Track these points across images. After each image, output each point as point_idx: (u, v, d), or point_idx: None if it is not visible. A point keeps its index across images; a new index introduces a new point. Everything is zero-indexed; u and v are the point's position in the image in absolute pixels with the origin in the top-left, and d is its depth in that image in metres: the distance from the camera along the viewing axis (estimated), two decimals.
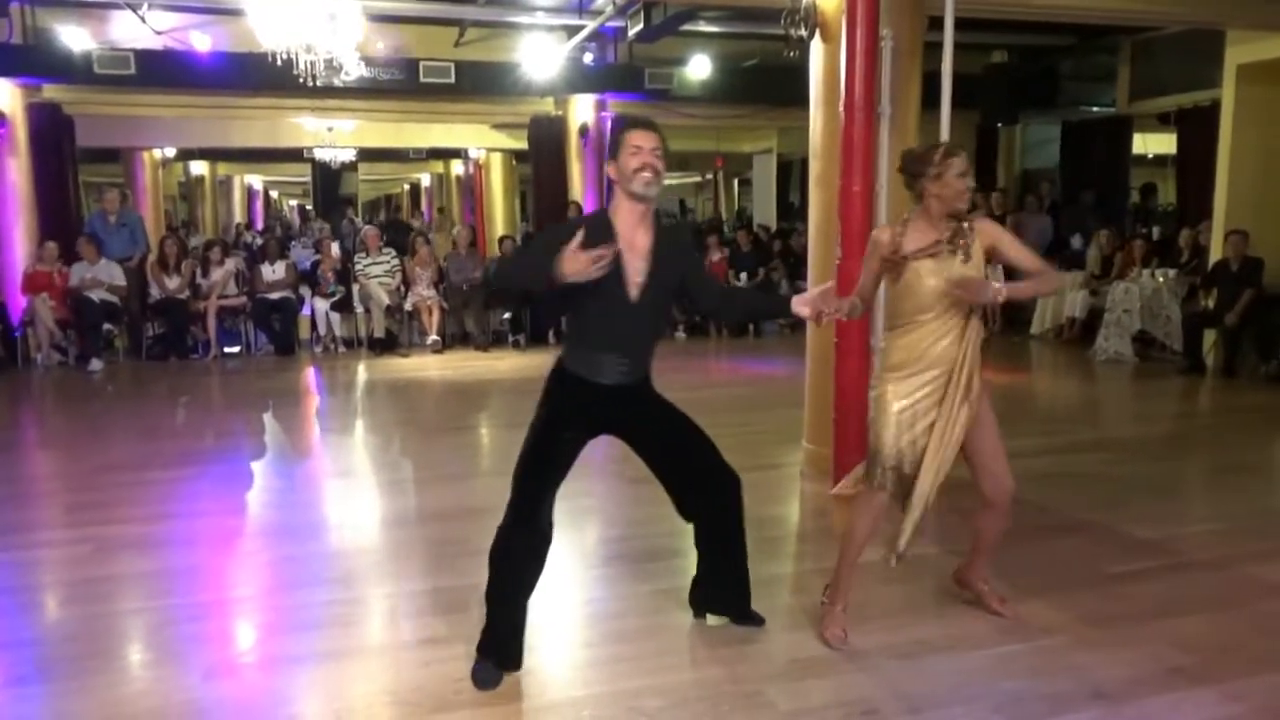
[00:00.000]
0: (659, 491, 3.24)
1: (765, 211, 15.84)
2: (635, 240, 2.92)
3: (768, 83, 10.82)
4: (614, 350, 2.98)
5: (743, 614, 3.37)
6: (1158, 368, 8.64)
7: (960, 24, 4.92)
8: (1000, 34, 11.01)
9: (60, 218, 9.80)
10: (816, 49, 5.10)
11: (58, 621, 3.66)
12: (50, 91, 9.79)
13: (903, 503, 3.20)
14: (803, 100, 5.28)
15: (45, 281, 9.08)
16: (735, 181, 20.48)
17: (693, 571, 3.40)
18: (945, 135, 4.95)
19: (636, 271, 2.91)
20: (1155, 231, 10.81)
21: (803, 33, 5.12)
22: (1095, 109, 12.16)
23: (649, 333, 3.07)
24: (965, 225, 3.10)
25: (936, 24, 4.96)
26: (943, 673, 3.06)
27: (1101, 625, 3.37)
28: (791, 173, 16.18)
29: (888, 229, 3.20)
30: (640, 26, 9.04)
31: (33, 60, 9.41)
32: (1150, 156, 13.60)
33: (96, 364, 8.90)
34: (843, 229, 4.72)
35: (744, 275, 11.01)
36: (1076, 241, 10.85)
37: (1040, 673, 3.05)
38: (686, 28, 9.64)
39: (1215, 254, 8.40)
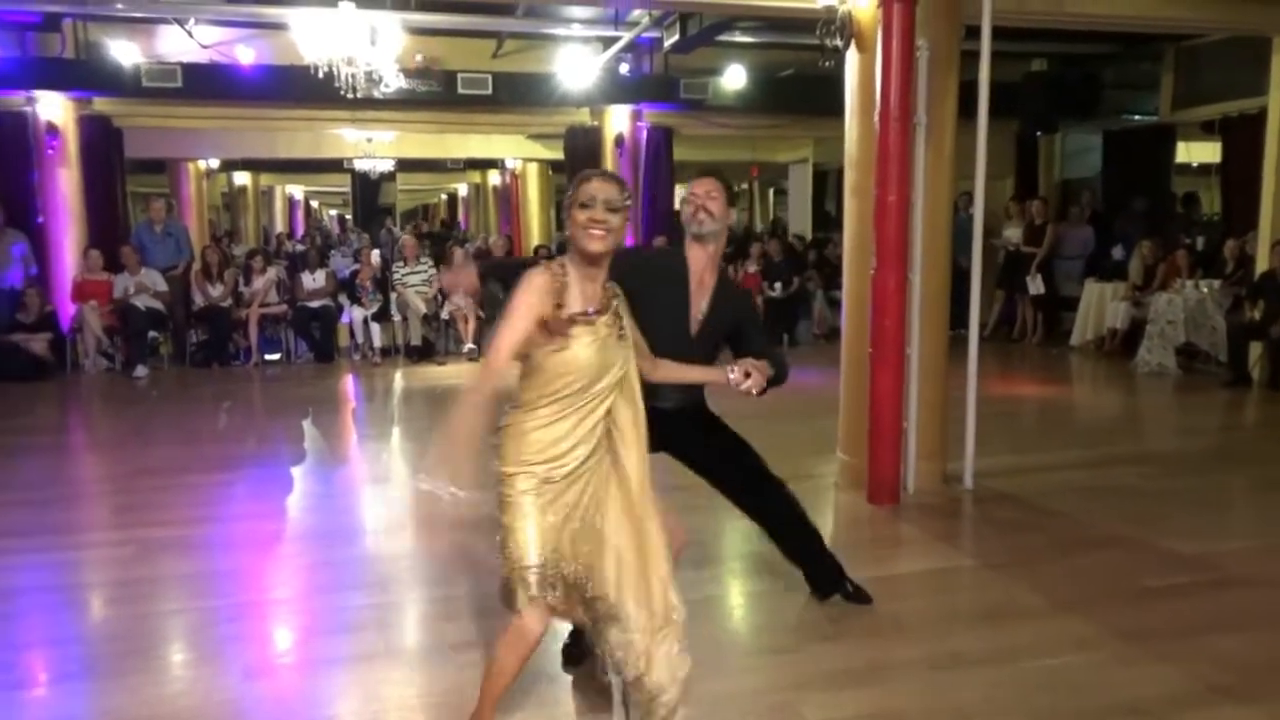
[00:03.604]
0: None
1: (801, 221, 15.79)
2: (704, 280, 3.14)
3: (803, 93, 10.79)
4: None
5: (827, 588, 3.62)
6: (1201, 380, 8.47)
7: (998, 33, 4.88)
8: (1040, 42, 10.87)
9: (109, 227, 10.01)
10: (852, 59, 5.10)
11: (102, 621, 3.76)
12: (100, 104, 10.03)
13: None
14: (838, 110, 5.27)
15: (93, 289, 9.31)
16: (771, 191, 20.44)
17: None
18: (982, 144, 4.93)
19: (699, 310, 3.12)
20: (1199, 242, 10.61)
21: (838, 43, 5.12)
22: (1137, 117, 11.97)
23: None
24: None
25: (974, 33, 4.93)
26: (977, 685, 3.03)
27: (1138, 640, 3.32)
28: (827, 182, 16.12)
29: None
30: (676, 37, 9.08)
31: (84, 74, 9.66)
32: (1195, 165, 13.36)
33: (142, 370, 9.09)
34: (878, 239, 4.71)
35: (778, 285, 10.98)
36: (1118, 252, 10.68)
37: (1076, 688, 3.02)
38: (722, 38, 9.64)
39: (1262, 265, 8.23)
